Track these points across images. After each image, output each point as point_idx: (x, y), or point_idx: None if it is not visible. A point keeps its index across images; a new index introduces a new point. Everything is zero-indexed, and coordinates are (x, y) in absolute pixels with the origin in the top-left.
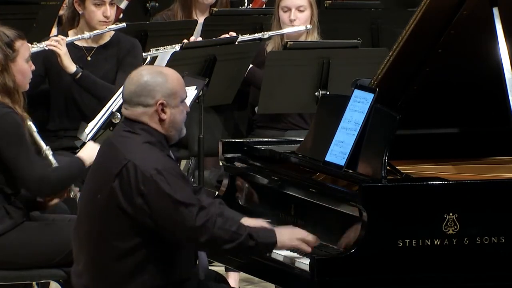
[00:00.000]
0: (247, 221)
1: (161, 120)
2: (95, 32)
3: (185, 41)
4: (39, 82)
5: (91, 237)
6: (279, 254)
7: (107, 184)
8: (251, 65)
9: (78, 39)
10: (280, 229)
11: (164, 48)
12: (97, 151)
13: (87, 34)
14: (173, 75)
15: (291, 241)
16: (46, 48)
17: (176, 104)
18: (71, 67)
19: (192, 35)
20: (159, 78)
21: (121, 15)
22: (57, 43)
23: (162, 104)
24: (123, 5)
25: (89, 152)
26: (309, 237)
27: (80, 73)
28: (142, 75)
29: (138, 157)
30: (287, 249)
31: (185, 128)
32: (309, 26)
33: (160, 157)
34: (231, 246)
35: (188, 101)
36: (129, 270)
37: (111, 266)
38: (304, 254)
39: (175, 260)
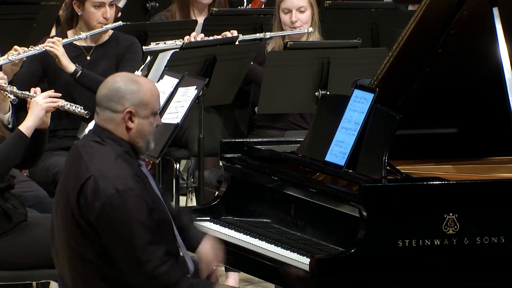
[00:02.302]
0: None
1: (128, 129)
2: (92, 32)
3: (187, 37)
4: (37, 82)
5: (70, 254)
6: (279, 254)
7: (72, 197)
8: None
9: (75, 40)
10: None
11: (165, 43)
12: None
13: (83, 35)
14: (147, 85)
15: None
16: (43, 50)
17: (145, 115)
18: (70, 66)
19: None
20: (133, 86)
21: (120, 14)
22: (53, 44)
23: (130, 112)
24: (121, 4)
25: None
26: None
27: (80, 72)
28: (117, 81)
29: (100, 172)
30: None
31: (153, 142)
32: (310, 29)
33: (123, 174)
34: (177, 280)
35: (188, 101)
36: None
37: (97, 284)
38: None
39: None
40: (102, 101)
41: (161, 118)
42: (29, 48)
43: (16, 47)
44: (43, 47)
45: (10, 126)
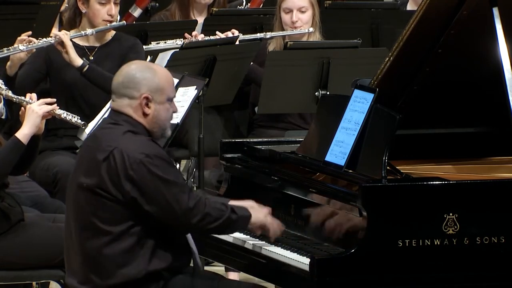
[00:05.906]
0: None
1: (145, 115)
2: (98, 28)
3: (187, 35)
4: (39, 79)
5: (80, 226)
6: (279, 254)
7: (94, 171)
8: (251, 63)
9: (81, 35)
10: (254, 206)
11: (165, 42)
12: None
13: (89, 31)
14: (162, 72)
15: (265, 218)
16: (52, 41)
17: (161, 100)
18: (78, 60)
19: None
20: (147, 73)
21: (133, 22)
22: (62, 36)
23: (146, 98)
24: (136, 14)
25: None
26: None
27: (87, 66)
28: (132, 68)
29: (123, 144)
30: (259, 225)
31: (170, 130)
32: (311, 29)
33: (146, 142)
34: (219, 223)
35: (188, 101)
36: (121, 255)
37: (103, 252)
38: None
39: (168, 245)
40: (119, 88)
41: None
42: (38, 40)
43: (24, 36)
44: (52, 39)
45: (3, 117)
